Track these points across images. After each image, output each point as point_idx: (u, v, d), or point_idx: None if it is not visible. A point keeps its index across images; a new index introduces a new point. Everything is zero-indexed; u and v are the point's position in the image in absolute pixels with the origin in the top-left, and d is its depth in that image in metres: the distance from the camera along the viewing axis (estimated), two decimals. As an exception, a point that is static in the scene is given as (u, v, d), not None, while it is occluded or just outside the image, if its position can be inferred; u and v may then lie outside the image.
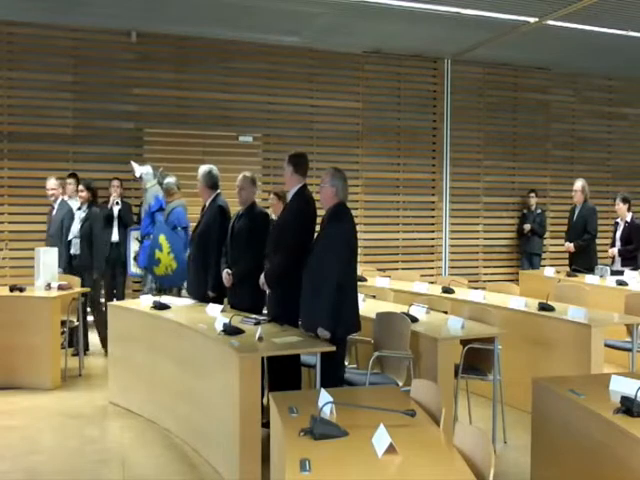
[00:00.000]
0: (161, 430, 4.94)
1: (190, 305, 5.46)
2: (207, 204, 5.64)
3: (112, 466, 4.32)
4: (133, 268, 7.72)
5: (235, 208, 5.63)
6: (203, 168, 5.68)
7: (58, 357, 6.19)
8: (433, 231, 10.39)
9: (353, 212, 4.50)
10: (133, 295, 8.29)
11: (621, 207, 7.98)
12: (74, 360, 6.58)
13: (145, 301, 5.54)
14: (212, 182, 5.63)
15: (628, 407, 2.79)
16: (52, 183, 7.28)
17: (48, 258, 6.65)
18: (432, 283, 7.48)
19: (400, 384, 4.33)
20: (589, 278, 7.36)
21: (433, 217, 10.40)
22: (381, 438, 2.46)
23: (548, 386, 3.37)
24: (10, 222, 8.43)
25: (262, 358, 4.16)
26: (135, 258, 7.61)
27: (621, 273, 7.47)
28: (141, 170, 7.61)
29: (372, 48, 9.75)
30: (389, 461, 2.38)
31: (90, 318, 7.50)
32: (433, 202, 10.38)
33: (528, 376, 3.76)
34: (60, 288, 6.42)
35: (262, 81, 9.38)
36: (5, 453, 4.51)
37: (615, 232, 8.11)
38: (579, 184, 8.25)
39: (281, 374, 4.50)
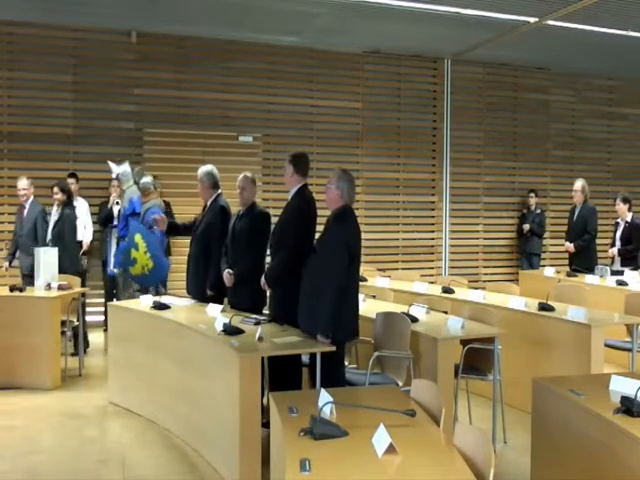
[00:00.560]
0: (161, 430, 4.94)
1: (190, 305, 5.45)
2: (208, 204, 5.64)
3: (112, 466, 4.32)
4: (113, 268, 7.71)
5: (233, 208, 5.64)
6: (203, 168, 5.68)
7: (58, 357, 6.19)
8: (433, 231, 10.39)
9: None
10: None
11: (621, 207, 7.98)
12: (74, 360, 6.58)
13: (145, 301, 5.54)
14: (213, 182, 5.63)
15: (628, 407, 2.79)
16: (23, 183, 7.26)
17: (48, 258, 6.65)
18: (432, 283, 7.48)
19: (400, 384, 4.33)
20: (589, 278, 7.36)
21: (433, 217, 10.40)
22: (381, 438, 2.46)
23: (548, 386, 3.37)
24: (10, 222, 8.42)
25: (262, 358, 4.15)
26: (115, 257, 7.59)
27: (621, 273, 7.47)
28: (118, 170, 7.55)
29: (372, 48, 9.75)
30: (389, 461, 2.38)
31: (90, 318, 7.52)
32: (433, 202, 10.38)
33: (528, 376, 3.76)
34: (60, 288, 6.42)
35: (262, 81, 9.38)
36: (5, 453, 4.51)
37: (615, 232, 8.11)
38: (579, 184, 8.25)
39: (281, 374, 4.50)
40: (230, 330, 4.26)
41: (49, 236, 7.10)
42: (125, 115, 8.87)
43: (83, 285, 7.32)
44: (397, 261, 10.12)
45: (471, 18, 8.04)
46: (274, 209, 6.36)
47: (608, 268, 7.62)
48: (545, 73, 10.88)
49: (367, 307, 5.29)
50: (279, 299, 4.74)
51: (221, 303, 5.26)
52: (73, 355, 6.76)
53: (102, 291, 8.37)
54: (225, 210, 5.56)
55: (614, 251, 8.02)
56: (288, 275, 4.53)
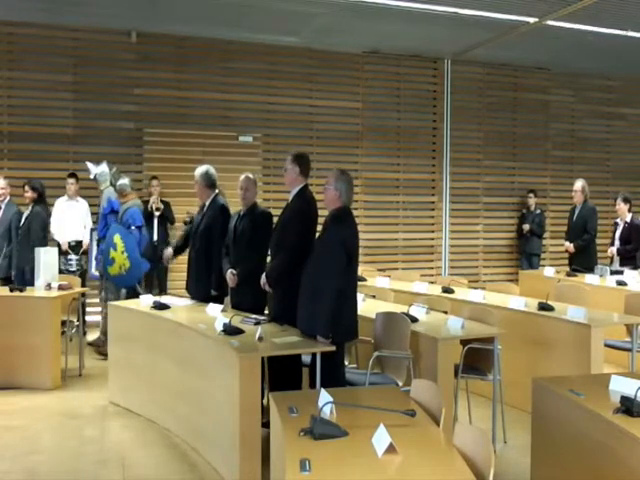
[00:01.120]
0: (161, 430, 4.94)
1: (190, 305, 5.45)
2: (207, 204, 5.64)
3: (112, 466, 4.32)
4: (94, 270, 7.70)
5: (233, 208, 5.64)
6: (200, 168, 5.69)
7: (58, 357, 6.18)
8: (433, 231, 10.39)
9: (353, 212, 4.48)
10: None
11: (622, 207, 7.98)
12: (74, 360, 6.58)
13: (145, 301, 5.54)
14: (210, 182, 5.63)
15: (628, 407, 2.79)
16: (0, 182, 7.26)
17: (48, 258, 6.65)
18: (432, 283, 7.47)
19: (400, 384, 4.33)
20: (589, 278, 7.36)
21: (433, 217, 10.40)
22: (381, 438, 2.46)
23: (548, 386, 3.37)
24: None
25: (262, 358, 4.16)
26: (96, 258, 7.58)
27: (621, 273, 7.47)
28: (96, 171, 7.50)
29: (371, 48, 9.75)
30: (389, 461, 2.38)
31: (90, 318, 7.51)
32: (433, 202, 10.38)
33: (528, 376, 3.76)
34: (60, 288, 6.41)
35: (262, 81, 9.38)
36: (5, 453, 4.51)
37: (614, 232, 8.11)
38: (579, 184, 8.25)
39: (281, 374, 4.50)
40: (230, 330, 4.26)
41: (19, 233, 7.11)
42: (125, 115, 8.87)
43: (83, 285, 7.32)
44: (397, 261, 10.12)
45: (471, 18, 8.04)
46: (274, 209, 6.34)
47: (608, 268, 7.62)
48: (545, 73, 10.88)
49: (367, 307, 5.29)
50: (279, 299, 4.73)
51: (221, 303, 5.26)
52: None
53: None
54: (225, 209, 5.57)
55: (613, 250, 8.03)
56: (289, 275, 4.52)
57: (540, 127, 10.94)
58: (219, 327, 4.33)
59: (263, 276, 4.73)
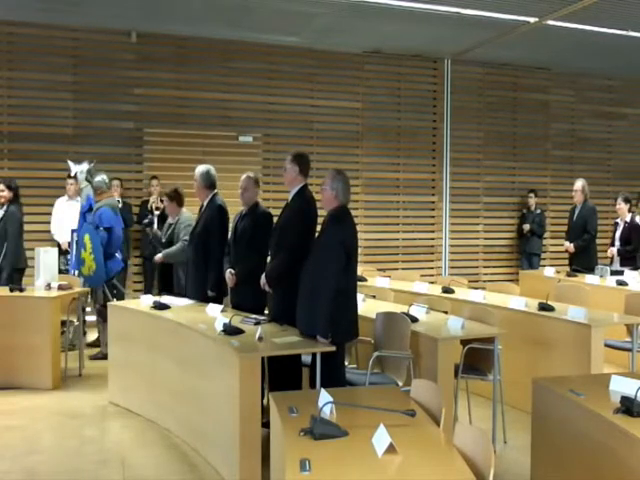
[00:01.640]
0: (161, 430, 4.94)
1: (190, 305, 5.45)
2: (205, 204, 5.64)
3: (112, 466, 4.31)
4: (72, 271, 7.64)
5: (233, 208, 5.63)
6: (200, 168, 5.68)
7: (58, 357, 6.19)
8: (433, 231, 10.39)
9: (353, 212, 4.48)
10: (133, 295, 8.31)
11: (622, 207, 7.98)
12: (74, 360, 6.57)
13: (145, 301, 5.54)
14: (210, 182, 5.63)
15: (628, 407, 2.78)
16: None
17: (48, 258, 6.64)
18: (432, 283, 7.47)
19: (400, 384, 4.33)
20: (589, 278, 7.36)
21: (433, 217, 10.39)
22: (381, 438, 2.46)
23: (548, 386, 3.37)
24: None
25: (262, 358, 4.15)
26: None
27: (621, 273, 7.47)
28: (76, 169, 7.37)
29: (372, 48, 9.75)
30: (389, 461, 2.38)
31: (90, 318, 7.50)
32: (433, 202, 10.38)
33: (528, 376, 3.76)
34: (60, 288, 6.41)
35: (262, 81, 9.38)
36: (5, 453, 4.51)
37: (614, 232, 8.11)
38: (579, 184, 8.25)
39: (281, 374, 4.50)
40: (230, 330, 4.26)
41: None
42: (125, 115, 8.87)
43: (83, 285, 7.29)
44: (397, 261, 10.12)
45: (471, 18, 8.04)
46: (274, 209, 6.33)
47: (608, 268, 7.62)
48: (545, 73, 10.88)
49: (367, 307, 5.29)
50: (279, 299, 4.73)
51: (221, 303, 5.26)
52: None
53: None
54: (223, 209, 5.56)
55: (613, 251, 8.03)
56: (289, 275, 4.52)
57: (540, 127, 10.94)
58: (219, 327, 4.32)
59: (263, 276, 4.73)
